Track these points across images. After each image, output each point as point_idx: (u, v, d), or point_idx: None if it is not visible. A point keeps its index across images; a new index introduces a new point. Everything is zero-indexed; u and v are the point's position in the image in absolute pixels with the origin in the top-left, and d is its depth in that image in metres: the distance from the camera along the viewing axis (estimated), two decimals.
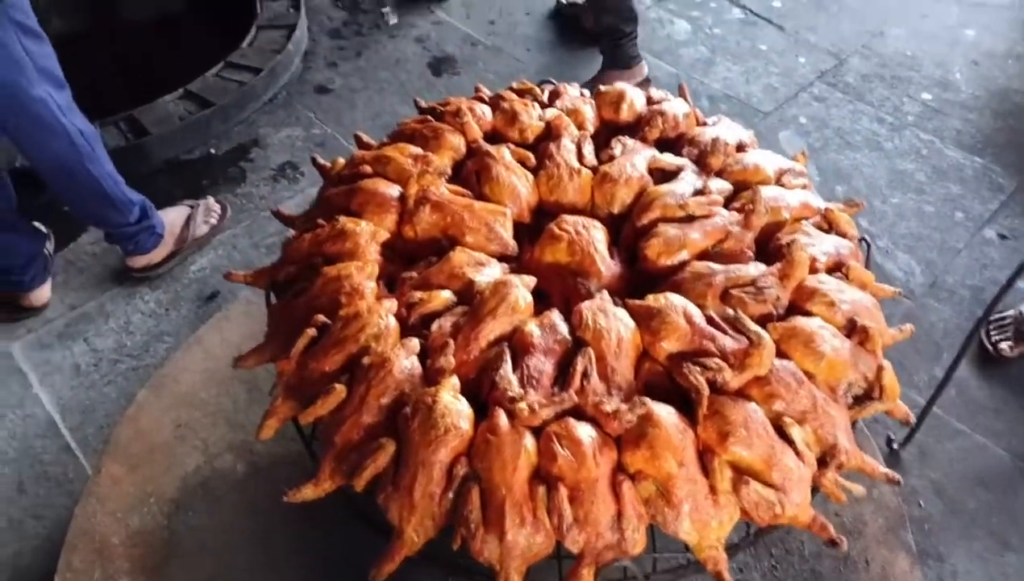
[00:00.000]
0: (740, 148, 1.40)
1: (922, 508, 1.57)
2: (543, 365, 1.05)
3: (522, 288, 1.13)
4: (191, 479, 1.48)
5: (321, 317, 1.11)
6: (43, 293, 1.95)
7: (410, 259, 1.26)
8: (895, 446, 1.68)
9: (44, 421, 1.73)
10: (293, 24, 2.71)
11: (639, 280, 1.22)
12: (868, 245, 1.30)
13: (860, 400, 1.09)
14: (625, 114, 1.45)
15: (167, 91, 2.41)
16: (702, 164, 1.35)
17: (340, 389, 1.03)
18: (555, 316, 1.11)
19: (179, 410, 1.57)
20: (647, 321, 1.09)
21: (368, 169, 1.33)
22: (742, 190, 1.29)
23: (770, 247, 1.22)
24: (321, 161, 1.42)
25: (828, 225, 1.28)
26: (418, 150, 1.35)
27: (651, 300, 1.11)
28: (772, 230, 1.24)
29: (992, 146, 2.46)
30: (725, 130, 1.42)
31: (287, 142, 2.42)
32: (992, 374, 1.83)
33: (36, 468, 1.66)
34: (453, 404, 0.99)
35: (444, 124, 1.41)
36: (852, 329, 1.11)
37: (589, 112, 1.46)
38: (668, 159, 1.35)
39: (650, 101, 1.50)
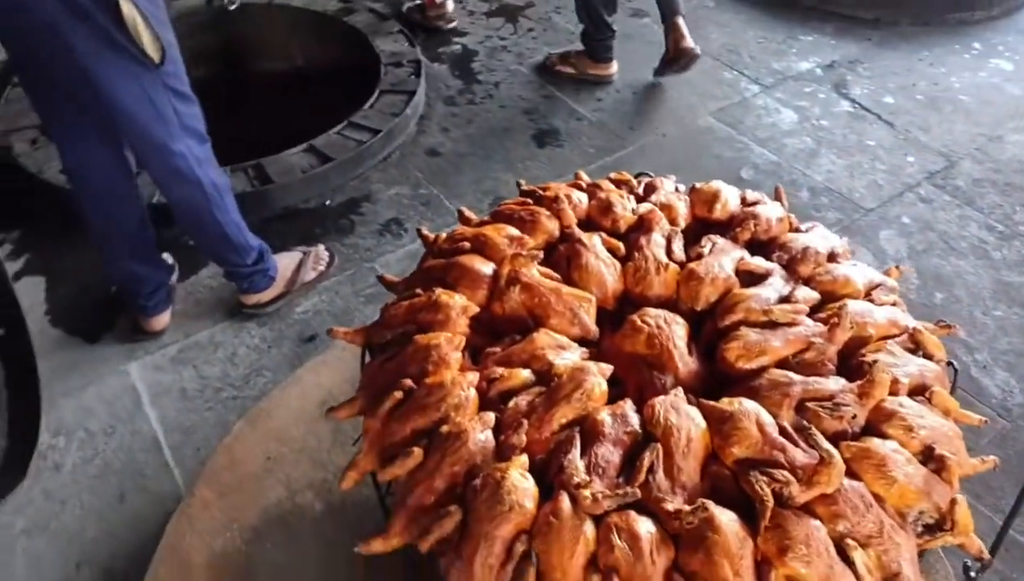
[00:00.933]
0: (831, 257, 1.42)
1: None
2: (611, 455, 1.09)
3: (598, 376, 1.18)
4: (272, 511, 1.58)
5: (408, 381, 1.19)
6: (163, 319, 2.14)
7: (497, 334, 1.33)
8: (972, 573, 1.60)
9: (149, 438, 1.89)
10: (413, 90, 2.91)
11: (716, 380, 1.25)
12: (955, 370, 1.28)
13: (931, 530, 1.07)
14: (718, 213, 1.49)
15: (294, 145, 2.63)
16: (791, 270, 1.37)
17: (418, 453, 1.10)
18: (628, 407, 1.15)
19: (270, 444, 1.69)
20: (719, 424, 1.11)
21: (466, 245, 1.42)
22: (829, 301, 1.31)
23: (852, 363, 1.22)
24: (425, 232, 1.53)
25: (915, 345, 1.28)
26: (515, 231, 1.43)
27: (725, 403, 1.14)
28: (856, 345, 1.24)
29: None
30: (818, 238, 1.44)
31: (395, 199, 2.58)
32: None
33: (137, 481, 1.81)
34: (520, 482, 1.04)
35: (541, 208, 1.49)
36: (929, 456, 1.10)
37: (682, 208, 1.51)
38: (757, 262, 1.38)
39: (744, 202, 1.54)
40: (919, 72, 3.23)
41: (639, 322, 1.28)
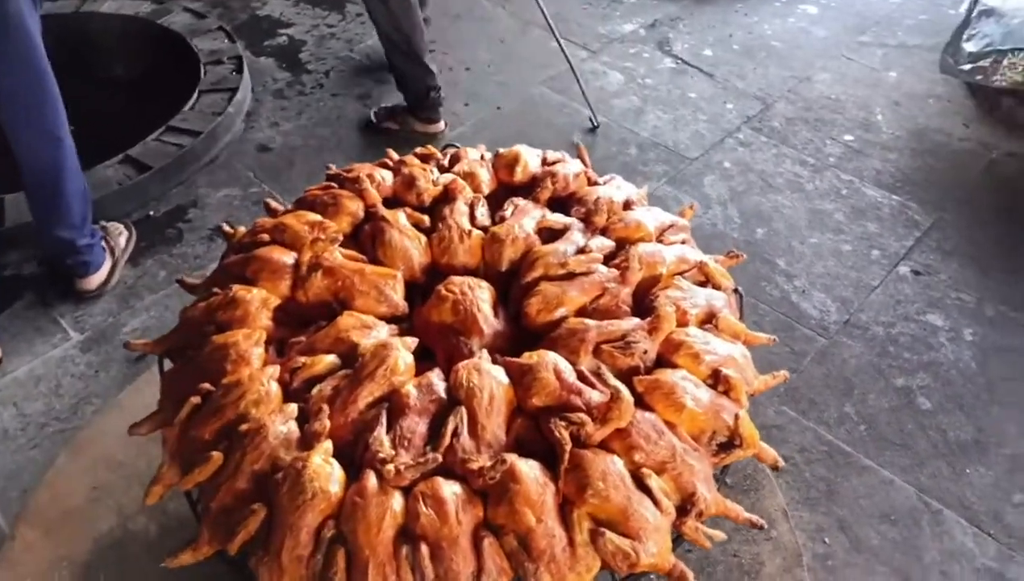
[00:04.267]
0: (627, 206, 1.47)
1: (827, 545, 1.61)
2: (416, 425, 1.10)
3: (403, 350, 1.18)
4: (104, 541, 1.50)
5: (206, 385, 1.15)
6: None
7: (306, 323, 1.31)
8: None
9: None
10: (235, 87, 2.79)
11: (524, 338, 1.28)
12: (741, 295, 1.36)
13: (724, 448, 1.14)
14: (519, 176, 1.52)
15: (111, 155, 2.47)
16: (588, 222, 1.42)
17: (217, 456, 1.07)
18: (434, 376, 1.16)
19: (96, 473, 1.60)
20: (520, 378, 1.14)
21: (266, 237, 1.38)
22: (624, 247, 1.36)
23: (646, 302, 1.28)
24: (226, 228, 1.48)
25: (704, 278, 1.35)
26: (316, 217, 1.40)
27: (525, 357, 1.16)
28: (649, 285, 1.30)
29: (909, 184, 2.55)
30: (613, 189, 1.49)
31: (225, 201, 2.48)
32: (899, 409, 1.89)
33: None
34: (322, 468, 1.03)
35: (344, 190, 1.47)
36: (716, 379, 1.17)
37: (485, 175, 1.53)
38: (556, 218, 1.42)
39: (545, 162, 1.57)
40: (735, 23, 3.40)
41: (444, 291, 1.28)
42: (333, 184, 1.52)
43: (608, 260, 1.33)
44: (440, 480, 1.03)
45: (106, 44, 3.16)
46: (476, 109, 2.89)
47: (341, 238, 1.37)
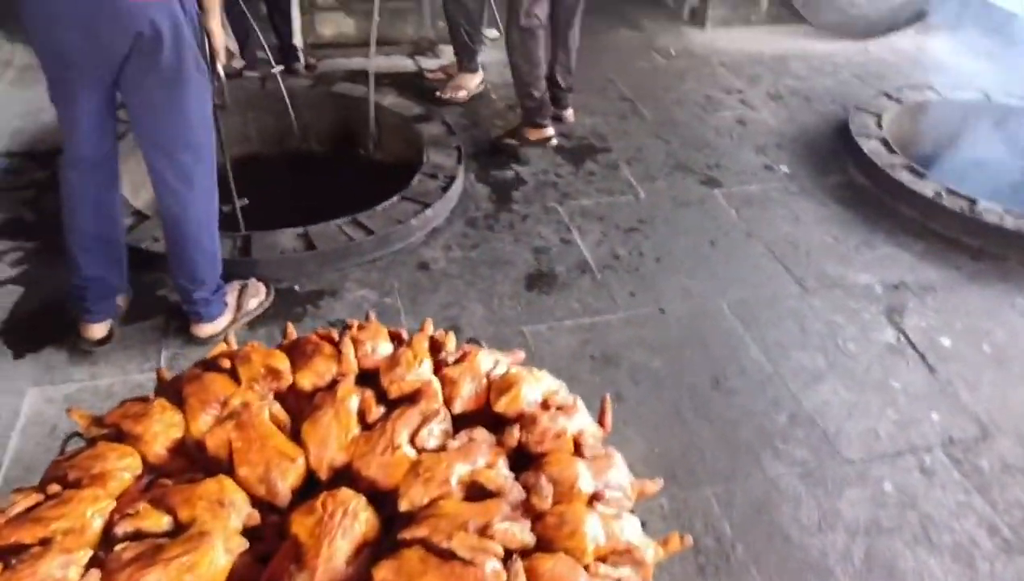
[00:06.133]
0: (596, 497, 1.18)
1: None
2: None
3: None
4: None
5: None
6: (102, 328, 2.30)
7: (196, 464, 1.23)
8: None
9: None
10: (429, 203, 2.93)
11: None
12: None
13: None
14: (502, 406, 1.32)
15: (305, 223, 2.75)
16: (528, 496, 1.15)
17: None
18: None
19: None
20: None
21: (227, 363, 1.35)
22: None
23: None
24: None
25: None
26: (283, 366, 1.34)
27: None
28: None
29: None
30: (585, 481, 1.20)
31: (358, 301, 2.56)
32: None
33: None
34: None
35: (328, 345, 1.39)
36: None
37: (469, 389, 1.34)
38: (497, 477, 1.18)
39: (546, 404, 1.34)
40: (1002, 320, 2.75)
41: (318, 503, 1.12)
42: (334, 332, 1.45)
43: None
44: None
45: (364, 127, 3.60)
46: (639, 303, 2.68)
47: (271, 397, 1.28)
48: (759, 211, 3.26)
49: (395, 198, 2.95)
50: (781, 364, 2.45)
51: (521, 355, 1.51)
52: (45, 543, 1.04)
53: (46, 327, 2.37)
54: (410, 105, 3.69)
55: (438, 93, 3.93)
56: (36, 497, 1.13)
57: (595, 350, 2.45)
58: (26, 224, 2.82)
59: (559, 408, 1.33)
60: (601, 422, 1.38)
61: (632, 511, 1.22)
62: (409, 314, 2.52)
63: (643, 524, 1.21)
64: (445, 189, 3.06)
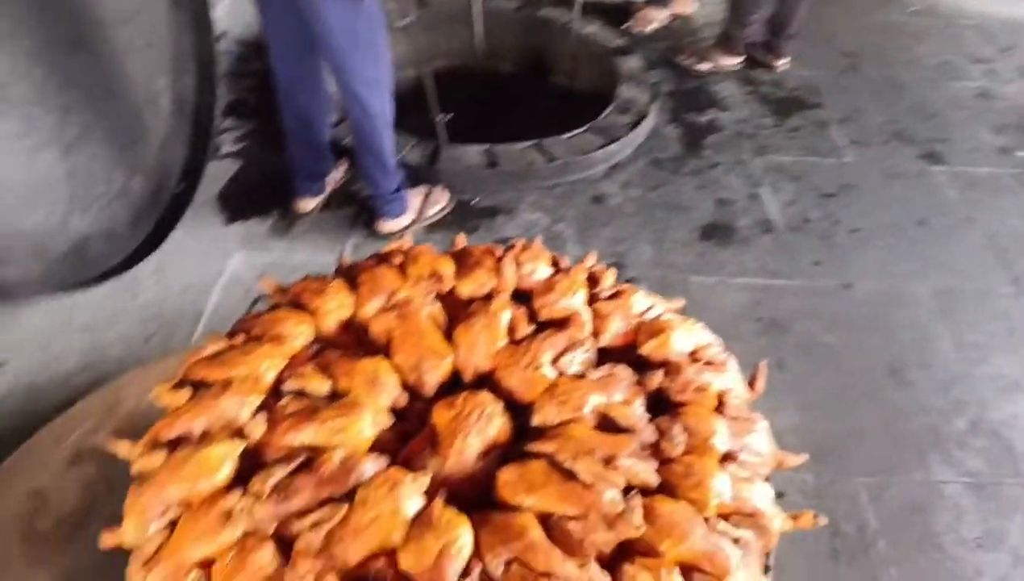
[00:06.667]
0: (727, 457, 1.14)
1: None
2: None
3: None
4: None
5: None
6: (309, 204, 2.59)
7: (360, 342, 1.33)
8: None
9: (194, 311, 2.23)
10: (616, 137, 2.88)
11: (485, 490, 1.10)
12: None
13: None
14: (649, 350, 1.28)
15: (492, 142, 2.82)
16: (660, 439, 1.14)
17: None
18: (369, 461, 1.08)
19: None
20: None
21: (399, 259, 1.43)
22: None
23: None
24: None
25: None
26: (448, 269, 1.40)
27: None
28: None
29: None
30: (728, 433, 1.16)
31: (528, 224, 2.60)
32: None
33: (167, 330, 2.14)
34: None
35: (490, 259, 1.43)
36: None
37: (619, 326, 1.33)
38: (629, 416, 1.17)
39: (695, 355, 1.30)
40: None
41: (459, 400, 1.18)
42: (499, 248, 1.49)
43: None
44: None
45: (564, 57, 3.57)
46: (823, 271, 2.49)
47: (438, 295, 1.36)
48: (985, 196, 2.89)
49: (582, 129, 2.93)
50: (975, 366, 2.20)
51: (680, 303, 1.47)
52: (226, 384, 1.19)
53: (256, 202, 2.64)
54: (611, 37, 3.60)
55: (627, 25, 3.83)
56: (224, 344, 1.28)
57: (764, 313, 2.33)
58: (249, 107, 3.12)
59: (708, 363, 1.29)
60: (752, 385, 1.32)
61: (768, 479, 1.18)
62: (577, 244, 2.53)
63: (780, 495, 1.17)
64: (634, 126, 2.98)
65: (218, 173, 2.74)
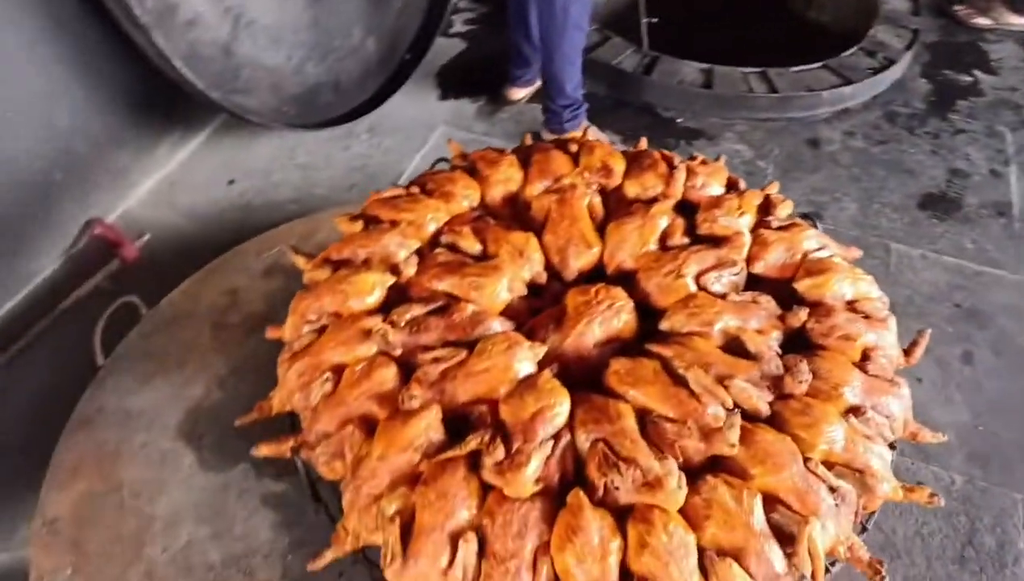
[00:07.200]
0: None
1: None
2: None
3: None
4: None
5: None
6: (518, 93, 2.68)
7: (518, 218, 1.39)
8: None
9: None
10: (851, 80, 2.63)
11: (595, 375, 1.13)
12: None
13: None
14: (805, 288, 1.22)
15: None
16: (784, 374, 1.10)
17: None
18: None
19: None
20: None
21: (575, 148, 1.45)
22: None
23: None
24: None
25: None
26: (619, 166, 1.40)
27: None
28: None
29: None
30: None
31: (730, 153, 2.49)
32: None
33: (267, 196, 2.35)
34: None
35: (663, 165, 1.41)
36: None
37: (779, 256, 1.26)
38: (760, 344, 1.13)
39: (853, 305, 1.21)
40: None
41: (594, 290, 1.21)
42: (675, 156, 1.46)
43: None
44: None
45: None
46: None
47: (602, 189, 1.37)
48: None
49: (816, 64, 2.70)
50: None
51: (856, 253, 1.37)
52: (393, 224, 1.31)
53: (470, 83, 2.76)
54: None
55: None
56: (400, 192, 1.40)
57: (965, 300, 2.09)
58: None
59: (866, 316, 1.21)
60: (908, 352, 1.22)
61: (893, 447, 1.10)
62: (786, 180, 2.39)
63: (918, 482, 1.09)
64: (877, 71, 2.70)
65: (444, 49, 2.88)
